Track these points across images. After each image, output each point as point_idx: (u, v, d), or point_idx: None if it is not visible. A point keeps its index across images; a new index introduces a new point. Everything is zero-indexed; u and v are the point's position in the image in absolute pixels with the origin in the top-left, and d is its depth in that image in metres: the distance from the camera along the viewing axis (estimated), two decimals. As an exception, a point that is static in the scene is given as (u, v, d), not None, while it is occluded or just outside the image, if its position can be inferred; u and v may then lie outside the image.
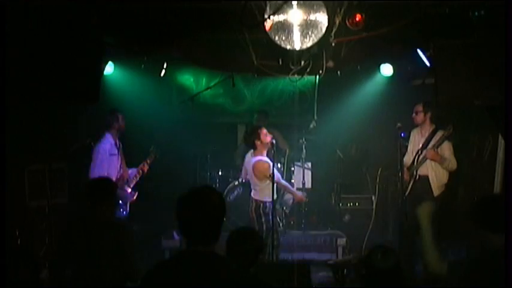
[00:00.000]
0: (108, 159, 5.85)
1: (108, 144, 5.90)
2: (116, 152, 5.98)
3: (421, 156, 5.85)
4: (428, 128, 5.93)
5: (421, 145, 5.89)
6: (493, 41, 4.53)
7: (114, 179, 5.82)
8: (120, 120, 6.00)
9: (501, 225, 2.75)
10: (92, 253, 3.67)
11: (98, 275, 3.65)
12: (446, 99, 4.78)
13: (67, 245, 3.78)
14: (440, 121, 5.91)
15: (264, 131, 5.67)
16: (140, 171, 6.18)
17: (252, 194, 5.80)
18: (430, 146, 5.80)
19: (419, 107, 5.93)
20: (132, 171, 6.14)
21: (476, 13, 4.61)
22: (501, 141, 5.44)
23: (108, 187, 3.94)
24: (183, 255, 2.41)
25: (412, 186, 5.90)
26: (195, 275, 2.30)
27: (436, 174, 5.83)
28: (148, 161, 6.23)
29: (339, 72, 6.45)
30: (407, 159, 6.05)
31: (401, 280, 3.04)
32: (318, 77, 6.50)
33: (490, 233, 2.87)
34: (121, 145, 6.13)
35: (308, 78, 6.63)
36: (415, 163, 5.90)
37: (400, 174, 5.72)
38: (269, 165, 5.60)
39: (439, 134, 5.80)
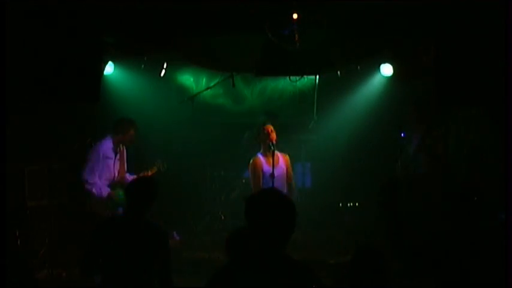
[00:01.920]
0: (101, 162, 5.83)
1: (105, 146, 5.89)
2: (113, 156, 5.94)
3: (417, 156, 5.88)
4: (421, 129, 5.98)
5: (416, 145, 5.92)
6: (492, 41, 4.53)
7: (105, 182, 5.83)
8: (127, 134, 5.93)
9: None
10: (126, 256, 3.59)
11: (130, 280, 3.57)
12: (446, 99, 4.78)
13: (98, 246, 3.68)
14: (434, 120, 5.95)
15: (267, 128, 5.60)
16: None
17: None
18: (427, 143, 5.85)
19: (411, 109, 5.99)
20: (130, 177, 6.10)
21: (476, 13, 4.61)
22: (501, 141, 5.43)
23: (150, 187, 3.87)
24: (255, 257, 2.39)
25: (409, 185, 5.94)
26: (268, 277, 2.29)
27: (431, 171, 5.88)
28: (150, 172, 6.18)
29: (339, 72, 6.46)
30: (405, 160, 6.12)
31: (386, 281, 3.06)
32: (318, 77, 6.52)
33: None
34: (124, 151, 6.10)
35: (308, 78, 6.65)
36: (411, 162, 5.93)
37: (400, 174, 5.75)
38: (258, 162, 5.58)
39: (433, 133, 5.87)
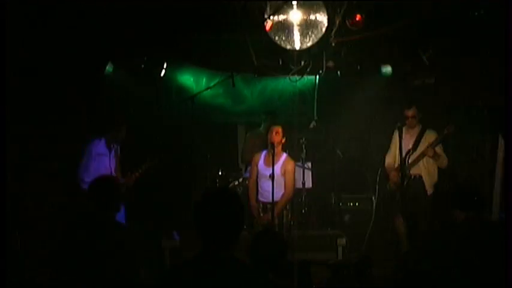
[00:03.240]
0: (95, 159, 5.83)
1: (98, 144, 5.90)
2: (106, 152, 5.94)
3: (414, 156, 5.86)
4: (416, 129, 5.98)
5: (411, 145, 5.91)
6: (492, 40, 4.53)
7: None
8: (119, 131, 5.95)
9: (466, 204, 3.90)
10: (95, 255, 3.61)
11: (99, 278, 3.59)
12: (446, 99, 4.79)
13: (68, 246, 3.71)
14: (437, 120, 5.95)
15: (272, 130, 5.64)
16: (133, 178, 6.13)
17: None
18: (423, 144, 5.89)
19: (413, 112, 5.95)
20: (121, 180, 6.08)
21: (476, 13, 4.62)
22: (501, 141, 5.44)
23: (112, 186, 3.87)
24: (201, 259, 2.38)
25: (406, 186, 5.95)
26: (214, 279, 2.28)
27: (428, 173, 5.96)
28: (141, 170, 6.17)
29: (339, 72, 6.46)
30: (392, 159, 6.13)
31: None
32: (318, 77, 6.52)
33: (458, 210, 3.90)
34: (117, 148, 6.10)
35: (308, 78, 6.65)
36: (407, 163, 5.93)
37: (401, 174, 5.76)
38: (256, 158, 5.82)
39: (431, 133, 5.88)
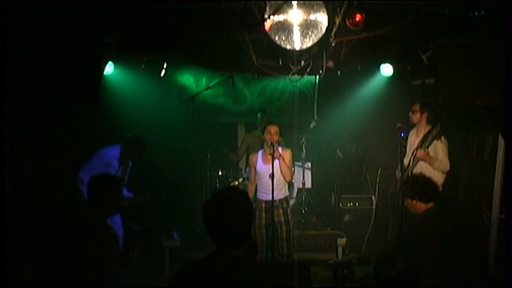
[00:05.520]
0: (103, 169, 5.81)
1: (111, 153, 5.87)
2: (116, 166, 5.91)
3: (415, 157, 5.86)
4: (423, 129, 5.98)
5: (416, 145, 5.91)
6: (493, 41, 4.53)
7: None
8: (135, 152, 5.93)
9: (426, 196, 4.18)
10: (75, 252, 3.59)
11: (78, 276, 3.56)
12: (446, 99, 4.78)
13: (56, 242, 3.70)
14: (438, 121, 5.93)
15: (269, 129, 5.64)
16: (142, 200, 6.12)
17: None
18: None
19: (416, 107, 5.99)
20: (126, 194, 6.06)
21: (476, 13, 4.61)
22: (501, 141, 5.44)
23: (111, 184, 3.86)
24: (213, 259, 2.38)
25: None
26: (226, 278, 2.29)
27: (431, 174, 5.83)
28: (147, 197, 6.16)
29: (339, 72, 6.46)
30: (406, 160, 6.10)
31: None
32: (318, 77, 6.52)
33: (420, 202, 4.17)
34: (128, 164, 6.08)
35: (308, 78, 6.67)
36: (411, 164, 5.92)
37: (400, 174, 5.76)
38: (253, 159, 5.84)
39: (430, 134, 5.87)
